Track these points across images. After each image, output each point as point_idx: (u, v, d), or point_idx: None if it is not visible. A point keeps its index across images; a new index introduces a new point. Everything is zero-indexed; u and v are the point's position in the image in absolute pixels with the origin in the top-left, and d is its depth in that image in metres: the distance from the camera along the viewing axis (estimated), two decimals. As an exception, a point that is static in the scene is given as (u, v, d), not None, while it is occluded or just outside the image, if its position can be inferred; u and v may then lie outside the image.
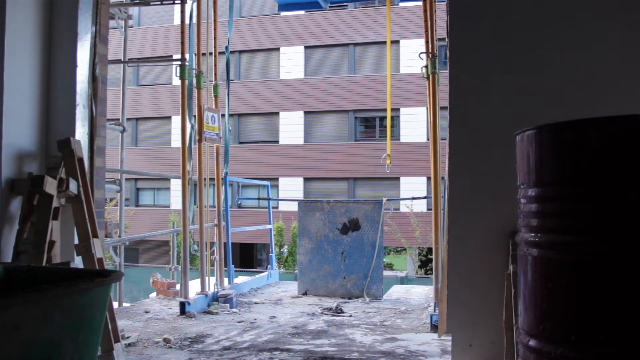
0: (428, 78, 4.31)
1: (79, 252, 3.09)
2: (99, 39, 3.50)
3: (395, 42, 19.30)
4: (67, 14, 3.35)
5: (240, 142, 22.07)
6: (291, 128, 21.22)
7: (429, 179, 17.71)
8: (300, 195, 19.94)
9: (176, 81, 5.69)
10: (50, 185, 2.97)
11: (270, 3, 15.16)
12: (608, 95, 2.71)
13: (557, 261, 1.57)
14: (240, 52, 21.99)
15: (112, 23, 4.74)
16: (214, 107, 5.42)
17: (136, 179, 22.56)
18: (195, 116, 4.99)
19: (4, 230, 2.98)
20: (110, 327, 2.98)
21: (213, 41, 5.46)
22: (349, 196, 19.63)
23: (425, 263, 19.35)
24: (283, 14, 21.01)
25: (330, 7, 7.97)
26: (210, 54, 5.47)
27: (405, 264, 21.08)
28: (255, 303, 5.30)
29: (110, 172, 5.11)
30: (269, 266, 7.09)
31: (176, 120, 20.70)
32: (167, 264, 6.54)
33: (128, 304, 5.34)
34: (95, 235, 3.13)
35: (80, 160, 3.18)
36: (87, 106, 3.41)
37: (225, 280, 5.67)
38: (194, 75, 4.98)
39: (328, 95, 20.92)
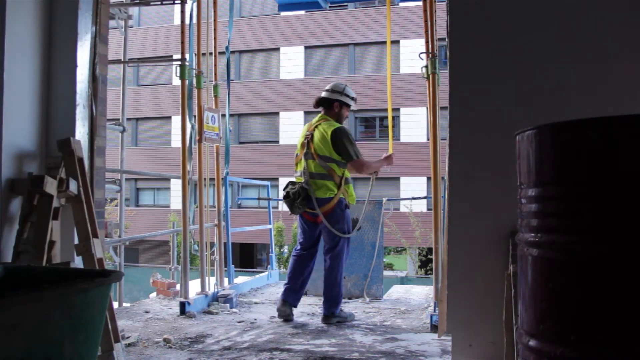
0: (428, 78, 4.30)
1: (79, 252, 3.09)
2: (99, 39, 3.50)
3: (396, 42, 19.31)
4: (67, 14, 3.34)
5: (241, 142, 22.09)
6: (291, 128, 21.23)
7: (429, 179, 17.71)
8: (300, 196, 19.89)
9: (176, 81, 5.69)
10: (50, 185, 2.97)
11: (271, 3, 15.14)
12: (608, 95, 2.71)
13: (557, 261, 1.57)
14: (241, 52, 22.01)
15: (112, 23, 4.74)
16: (214, 107, 5.42)
17: (136, 179, 22.58)
18: (195, 116, 4.98)
19: (4, 230, 2.97)
20: (110, 327, 2.98)
21: (213, 41, 5.45)
22: (349, 196, 19.58)
23: (425, 263, 19.37)
24: (283, 14, 21.04)
25: (330, 7, 7.96)
26: (211, 54, 5.46)
27: (405, 264, 21.10)
28: (255, 303, 5.30)
29: (110, 172, 5.11)
30: (269, 266, 7.09)
31: (176, 120, 20.70)
32: (167, 264, 6.54)
33: (128, 304, 5.34)
34: (95, 235, 3.13)
35: (80, 160, 3.17)
36: (87, 106, 3.41)
37: (225, 280, 5.66)
38: (194, 75, 4.97)
39: (328, 95, 20.89)
